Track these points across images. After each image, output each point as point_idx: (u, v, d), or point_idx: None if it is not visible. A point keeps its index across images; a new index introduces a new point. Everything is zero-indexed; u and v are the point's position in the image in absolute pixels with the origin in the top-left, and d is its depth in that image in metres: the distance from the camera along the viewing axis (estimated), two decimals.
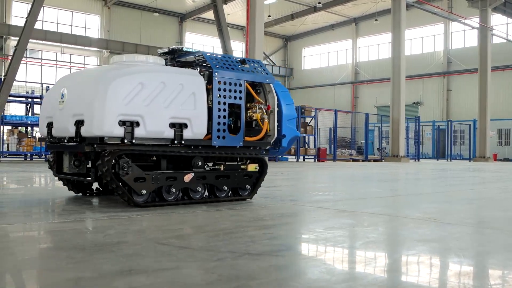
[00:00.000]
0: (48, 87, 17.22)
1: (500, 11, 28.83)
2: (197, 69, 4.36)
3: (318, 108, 24.25)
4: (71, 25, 32.07)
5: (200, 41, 38.16)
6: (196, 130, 4.06)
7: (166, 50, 4.59)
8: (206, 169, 4.34)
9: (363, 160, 24.09)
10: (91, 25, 32.90)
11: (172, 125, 3.94)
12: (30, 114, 17.07)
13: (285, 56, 45.11)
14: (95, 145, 3.76)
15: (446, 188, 7.33)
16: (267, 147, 4.66)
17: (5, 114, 15.42)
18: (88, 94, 3.80)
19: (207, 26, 36.93)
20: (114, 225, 3.14)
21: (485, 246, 2.81)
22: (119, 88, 3.71)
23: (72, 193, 4.87)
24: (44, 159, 16.44)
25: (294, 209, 4.17)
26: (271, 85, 4.64)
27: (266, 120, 4.52)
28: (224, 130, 4.26)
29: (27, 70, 29.62)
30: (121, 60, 4.26)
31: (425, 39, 36.42)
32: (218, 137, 4.23)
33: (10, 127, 16.68)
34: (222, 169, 4.34)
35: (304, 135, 22.56)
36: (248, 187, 4.55)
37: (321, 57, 43.16)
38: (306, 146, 23.58)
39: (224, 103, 4.26)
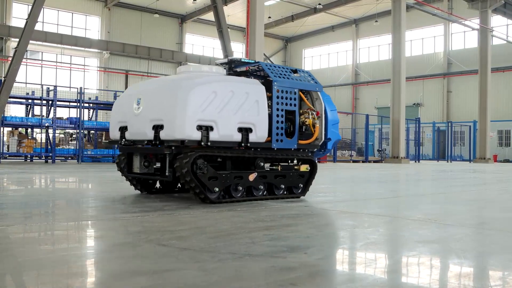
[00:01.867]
0: (48, 88, 17.23)
1: (500, 12, 28.84)
2: (251, 77, 4.89)
3: None
4: (71, 27, 32.08)
5: (201, 42, 38.17)
6: (259, 134, 4.54)
7: (225, 60, 5.08)
8: (266, 169, 4.78)
9: (363, 162, 24.08)
10: (91, 26, 32.91)
11: (240, 130, 4.40)
12: (30, 116, 17.06)
13: (285, 57, 45.12)
14: (173, 147, 4.22)
15: (447, 189, 7.32)
16: (315, 149, 5.13)
17: (5, 115, 15.41)
18: (168, 102, 4.23)
19: (208, 27, 36.94)
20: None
21: (485, 247, 2.80)
22: (197, 96, 4.14)
23: (131, 191, 5.30)
24: (44, 160, 16.45)
25: (294, 210, 4.17)
26: (318, 92, 5.10)
27: (317, 125, 5.03)
28: (281, 134, 4.74)
29: (27, 71, 29.63)
30: (188, 70, 4.80)
31: (425, 40, 36.43)
32: (277, 140, 4.70)
33: (10, 128, 16.67)
34: (279, 169, 4.81)
35: None
36: (301, 185, 5.01)
37: (321, 58, 43.17)
38: None
39: (282, 110, 4.73)
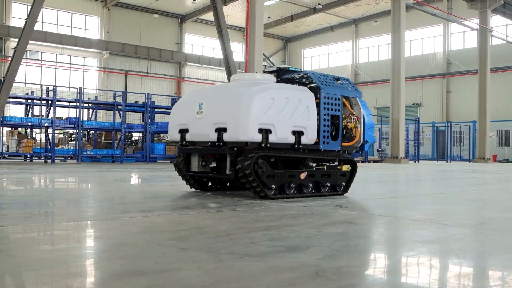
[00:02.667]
0: (48, 88, 17.23)
1: (500, 13, 28.85)
2: (296, 85, 5.37)
3: None
4: (71, 27, 32.05)
5: (200, 42, 38.16)
6: (310, 136, 5.01)
7: (274, 68, 5.60)
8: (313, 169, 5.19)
9: (363, 162, 24.07)
10: (90, 26, 32.88)
11: (293, 133, 4.87)
12: (29, 116, 17.05)
13: (285, 57, 45.11)
14: (235, 148, 4.71)
15: (446, 189, 7.33)
16: (354, 151, 5.59)
17: (4, 115, 15.40)
18: (232, 107, 4.70)
19: (207, 27, 36.93)
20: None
21: (485, 247, 2.80)
22: (259, 102, 4.60)
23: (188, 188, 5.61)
24: (43, 161, 16.44)
25: (294, 210, 4.16)
26: (357, 98, 5.57)
27: (358, 129, 5.48)
28: (328, 137, 5.20)
29: (26, 71, 29.59)
30: (243, 78, 5.29)
31: (424, 40, 36.44)
32: (324, 142, 5.17)
33: (9, 128, 16.66)
34: (325, 168, 5.22)
35: None
36: (343, 184, 5.44)
37: (320, 58, 43.18)
38: None
39: (328, 114, 5.20)
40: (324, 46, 42.69)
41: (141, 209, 4.02)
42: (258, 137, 4.58)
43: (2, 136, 15.63)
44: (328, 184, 5.27)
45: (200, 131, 4.94)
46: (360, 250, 2.61)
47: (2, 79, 15.36)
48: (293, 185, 4.92)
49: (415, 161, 26.78)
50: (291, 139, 4.86)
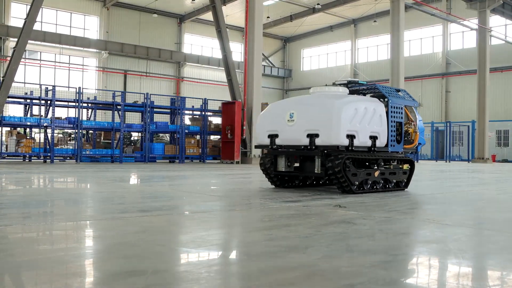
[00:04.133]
0: (47, 88, 17.22)
1: (499, 13, 28.85)
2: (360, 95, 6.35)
3: None
4: (70, 26, 32.02)
5: (199, 42, 38.14)
6: (382, 140, 5.99)
7: (345, 81, 6.50)
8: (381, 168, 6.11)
9: None
10: (90, 26, 32.84)
11: (370, 137, 5.81)
12: (28, 115, 17.04)
13: (284, 57, 45.10)
14: (325, 151, 5.66)
15: (445, 189, 7.33)
16: (410, 152, 6.57)
17: (3, 115, 15.39)
18: (324, 116, 5.62)
19: (206, 27, 36.91)
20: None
21: (484, 247, 2.81)
22: (346, 112, 5.52)
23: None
24: (42, 160, 16.43)
25: (293, 210, 4.17)
26: (412, 107, 6.52)
27: (417, 133, 6.46)
28: (394, 140, 6.15)
29: (25, 71, 29.55)
30: (323, 90, 6.15)
31: (423, 41, 36.45)
32: (391, 145, 6.12)
33: (8, 128, 16.65)
34: (391, 167, 6.16)
35: None
36: (405, 180, 6.40)
37: (320, 58, 43.16)
38: None
39: (394, 121, 6.16)
40: (323, 46, 42.68)
41: (141, 209, 4.02)
42: (346, 142, 5.53)
43: (1, 136, 15.61)
44: (394, 181, 6.20)
45: (292, 137, 5.87)
46: (360, 250, 2.62)
47: (1, 78, 15.36)
48: (369, 182, 5.87)
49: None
50: (369, 143, 5.82)
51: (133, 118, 20.45)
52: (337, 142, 5.47)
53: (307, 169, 6.09)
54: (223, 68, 20.41)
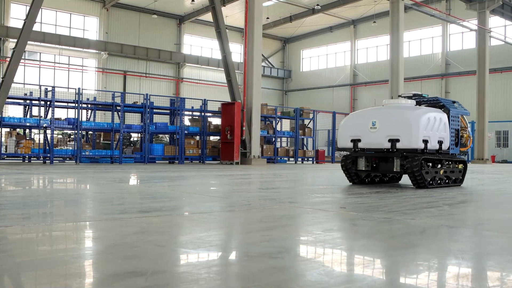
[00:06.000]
0: (46, 88, 17.21)
1: (498, 13, 28.87)
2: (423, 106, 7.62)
3: (317, 110, 24.27)
4: (70, 27, 32.02)
5: (199, 43, 38.14)
6: (446, 144, 7.28)
7: (410, 95, 7.79)
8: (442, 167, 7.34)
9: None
10: (89, 27, 32.84)
11: (437, 142, 7.05)
12: (28, 116, 17.03)
13: (283, 58, 45.11)
14: (404, 153, 6.85)
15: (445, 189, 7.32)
16: (462, 154, 7.81)
17: (3, 115, 15.39)
18: (404, 124, 6.84)
19: (206, 28, 36.92)
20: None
21: (484, 248, 2.81)
22: (423, 121, 6.82)
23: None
24: (42, 161, 16.43)
25: (293, 211, 4.17)
26: (464, 116, 7.77)
27: (471, 138, 7.81)
28: (453, 144, 7.45)
29: (25, 72, 29.55)
30: (396, 102, 7.45)
31: (423, 41, 36.46)
32: (451, 148, 7.42)
33: (8, 129, 16.64)
34: (451, 167, 7.42)
35: (302, 137, 22.59)
36: (460, 178, 7.67)
37: (319, 59, 43.16)
38: (305, 148, 23.58)
39: (453, 129, 7.45)
40: (323, 47, 42.69)
41: (140, 210, 4.02)
42: (422, 145, 6.76)
43: (1, 136, 15.60)
44: (453, 178, 7.46)
45: (374, 141, 7.01)
46: (357, 249, 2.61)
47: (1, 79, 15.36)
48: (437, 178, 7.09)
49: None
50: (437, 146, 7.02)
51: (133, 119, 20.44)
52: (416, 145, 6.71)
53: (383, 169, 7.22)
54: (223, 69, 20.41)
